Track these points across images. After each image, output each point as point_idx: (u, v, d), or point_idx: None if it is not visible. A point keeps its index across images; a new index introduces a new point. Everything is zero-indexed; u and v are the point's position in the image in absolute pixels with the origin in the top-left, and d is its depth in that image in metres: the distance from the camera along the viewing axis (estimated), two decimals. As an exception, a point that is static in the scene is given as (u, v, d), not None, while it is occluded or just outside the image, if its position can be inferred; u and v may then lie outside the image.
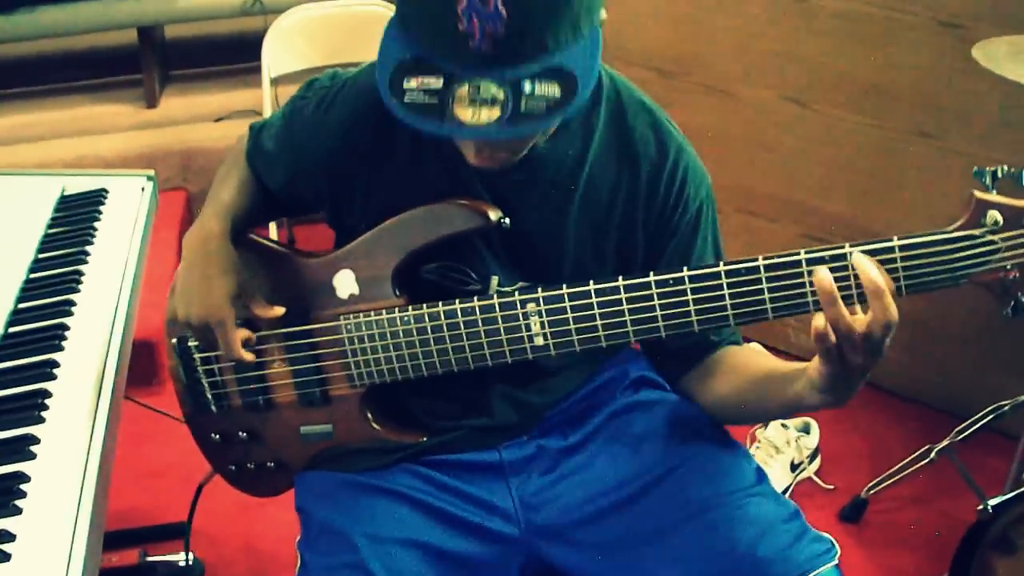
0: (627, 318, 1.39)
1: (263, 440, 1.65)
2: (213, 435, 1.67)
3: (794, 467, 2.80)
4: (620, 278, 1.35)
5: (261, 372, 1.59)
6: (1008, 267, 1.26)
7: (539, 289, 1.41)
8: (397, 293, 1.52)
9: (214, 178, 1.64)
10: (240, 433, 1.65)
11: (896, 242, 1.27)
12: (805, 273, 1.28)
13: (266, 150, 1.62)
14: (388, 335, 1.51)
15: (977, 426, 2.56)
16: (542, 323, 1.42)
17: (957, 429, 2.61)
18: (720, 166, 1.68)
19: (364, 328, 1.53)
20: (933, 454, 2.60)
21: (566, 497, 1.56)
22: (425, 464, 1.60)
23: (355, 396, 1.58)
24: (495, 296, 1.44)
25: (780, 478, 2.76)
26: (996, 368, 2.89)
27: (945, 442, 2.59)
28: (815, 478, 2.84)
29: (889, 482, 2.68)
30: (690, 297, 1.35)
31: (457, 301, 1.46)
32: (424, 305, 1.48)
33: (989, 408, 2.56)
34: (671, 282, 1.35)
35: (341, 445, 1.61)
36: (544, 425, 1.64)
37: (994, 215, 1.24)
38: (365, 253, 1.53)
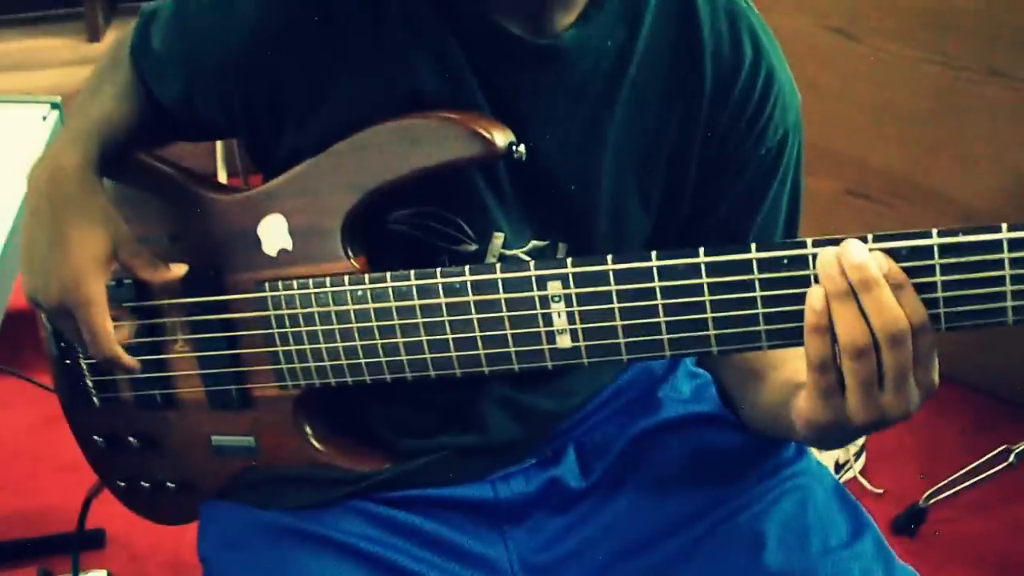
0: (709, 315, 1.00)
1: (161, 450, 1.34)
2: (96, 438, 1.37)
3: (839, 467, 2.55)
4: (702, 251, 0.99)
5: (158, 357, 1.28)
6: None
7: (567, 259, 1.04)
8: (349, 253, 1.15)
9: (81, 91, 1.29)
10: (130, 438, 1.34)
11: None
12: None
13: (154, 50, 1.24)
14: (333, 315, 1.14)
15: None
16: (570, 315, 1.04)
17: None
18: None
19: (299, 302, 1.16)
20: (1012, 457, 2.36)
21: (589, 556, 1.25)
22: (385, 503, 1.27)
23: (286, 400, 1.24)
24: (498, 265, 1.07)
25: None
26: None
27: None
28: (861, 479, 2.57)
29: (955, 489, 2.41)
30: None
31: (438, 271, 1.08)
32: (388, 273, 1.11)
33: None
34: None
35: (267, 467, 1.29)
36: (558, 444, 1.32)
37: None
38: (303, 190, 1.16)
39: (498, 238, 1.16)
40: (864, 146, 2.79)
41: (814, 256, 0.94)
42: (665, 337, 1.01)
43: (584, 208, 1.17)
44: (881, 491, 2.53)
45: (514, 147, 1.08)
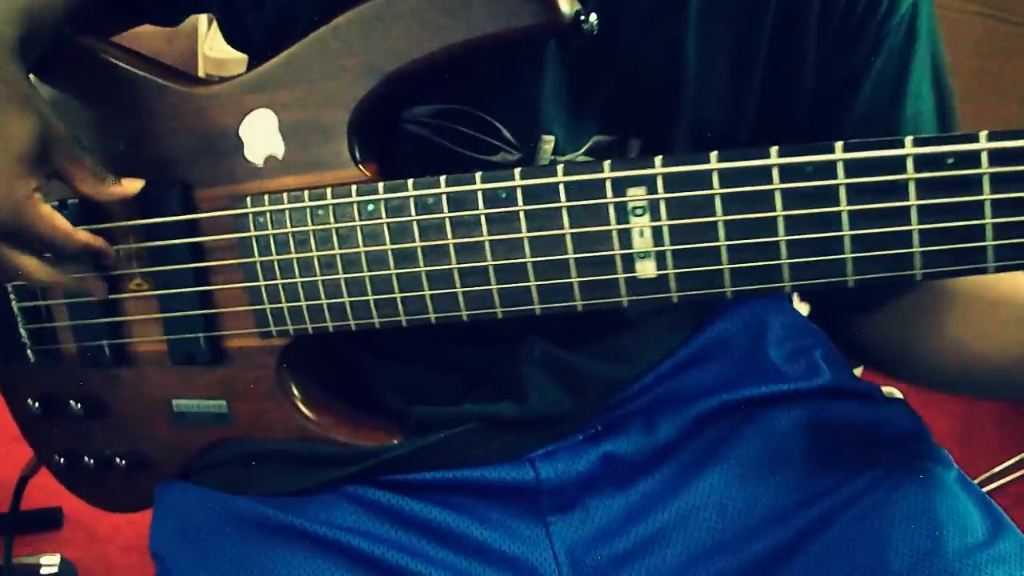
0: (846, 233, 0.77)
1: (109, 417, 1.13)
2: (30, 401, 1.16)
3: None
4: (839, 145, 0.77)
5: (108, 299, 1.07)
6: None
7: (654, 157, 0.81)
8: (358, 157, 0.92)
9: None
10: (72, 402, 1.13)
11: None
12: None
13: None
14: (334, 237, 0.91)
15: None
16: (657, 232, 0.80)
17: None
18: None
19: (290, 221, 0.93)
20: None
21: (658, 554, 1.03)
22: (393, 487, 1.05)
23: (269, 353, 1.01)
24: (560, 167, 0.84)
25: None
26: None
27: None
28: None
29: (1000, 482, 2.28)
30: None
31: (478, 175, 0.85)
32: (410, 182, 0.88)
33: None
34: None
35: (242, 440, 1.07)
36: (613, 417, 1.10)
37: None
38: (298, 77, 0.92)
39: (548, 142, 0.94)
40: None
41: (990, 153, 0.73)
42: (785, 262, 0.78)
43: (662, 96, 0.96)
44: None
45: (584, 18, 0.84)
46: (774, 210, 0.76)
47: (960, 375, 1.04)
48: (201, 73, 2.23)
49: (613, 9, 0.91)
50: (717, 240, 0.79)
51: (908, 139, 0.75)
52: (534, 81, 0.93)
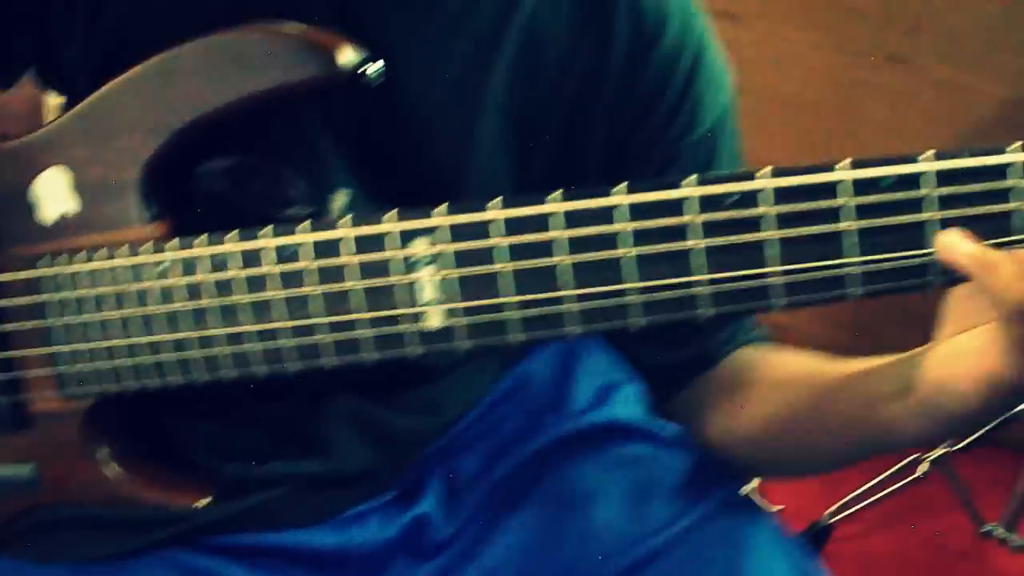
0: (629, 276, 0.76)
1: None
2: None
3: None
4: (624, 186, 0.77)
5: None
6: None
7: (440, 207, 0.80)
8: (151, 214, 0.90)
9: None
10: None
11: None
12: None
13: None
14: (128, 297, 0.88)
15: (981, 432, 2.16)
16: (445, 283, 0.79)
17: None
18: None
19: (83, 281, 0.90)
20: (926, 465, 2.20)
21: None
22: (205, 550, 1.02)
23: (72, 415, 0.96)
24: (348, 218, 0.82)
25: None
26: None
27: (940, 451, 2.19)
28: (757, 496, 2.30)
29: (861, 505, 2.26)
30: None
31: (270, 229, 0.84)
32: (201, 239, 0.86)
33: None
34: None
35: (53, 506, 1.02)
36: (423, 472, 1.09)
37: None
38: (90, 133, 0.91)
39: (340, 198, 0.93)
40: (753, 137, 2.62)
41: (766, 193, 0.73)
42: (575, 307, 0.76)
43: (453, 170, 0.96)
44: (781, 508, 2.27)
45: (366, 67, 0.84)
46: (558, 256, 0.76)
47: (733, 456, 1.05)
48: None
49: (407, 79, 0.91)
50: (501, 290, 0.78)
51: (692, 177, 0.74)
52: (326, 135, 0.92)
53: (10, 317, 0.94)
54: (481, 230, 0.77)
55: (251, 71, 0.84)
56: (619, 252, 0.75)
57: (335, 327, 0.82)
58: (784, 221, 0.72)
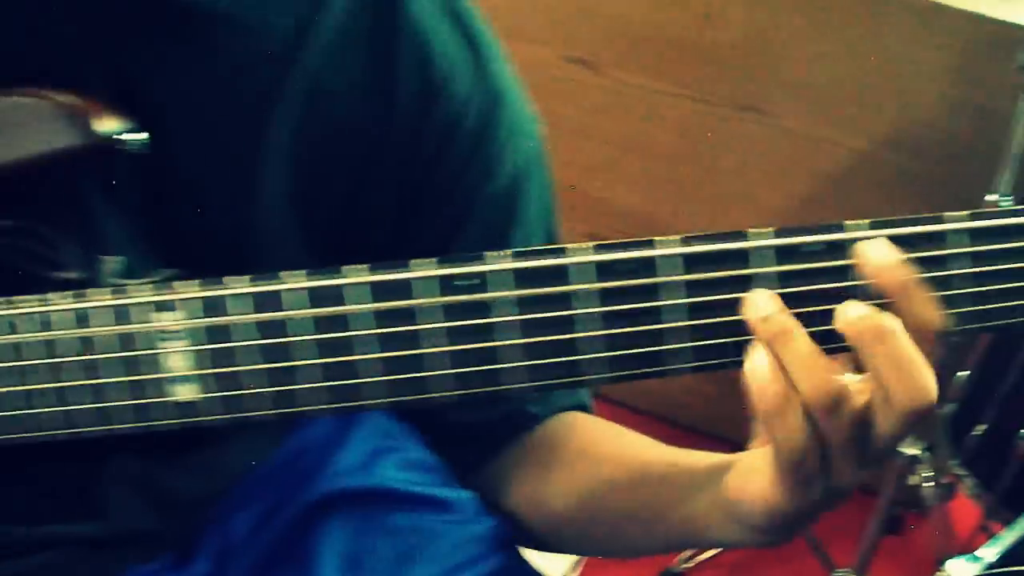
0: (361, 357, 0.75)
1: None
2: None
3: None
4: (366, 267, 0.75)
5: None
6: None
7: (193, 281, 0.78)
8: None
9: None
10: None
11: (951, 224, 0.70)
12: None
13: None
14: None
15: None
16: (194, 357, 0.77)
17: None
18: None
19: None
20: None
21: None
22: None
23: None
24: (110, 291, 0.80)
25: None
26: None
27: None
28: None
29: (715, 551, 2.33)
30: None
31: (18, 300, 0.81)
32: None
33: None
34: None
35: None
36: (200, 531, 1.06)
37: None
38: None
39: (110, 263, 0.89)
40: (608, 186, 2.67)
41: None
42: (321, 385, 0.75)
43: (233, 230, 0.93)
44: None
45: (127, 137, 0.82)
46: (312, 332, 0.75)
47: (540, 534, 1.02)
48: None
49: (181, 138, 0.89)
50: (258, 362, 0.76)
51: (432, 260, 0.73)
52: (102, 199, 0.89)
53: None
54: (228, 305, 0.76)
55: (12, 140, 0.82)
56: (351, 333, 0.74)
57: (88, 396, 0.80)
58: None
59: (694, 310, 0.70)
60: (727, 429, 2.69)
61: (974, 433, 1.99)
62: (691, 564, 2.30)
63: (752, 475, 0.75)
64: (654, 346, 0.70)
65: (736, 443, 0.80)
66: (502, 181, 0.97)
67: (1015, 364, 1.93)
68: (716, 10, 2.37)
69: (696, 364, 0.71)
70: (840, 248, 0.68)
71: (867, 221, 0.69)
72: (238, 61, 0.89)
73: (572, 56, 2.56)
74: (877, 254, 0.67)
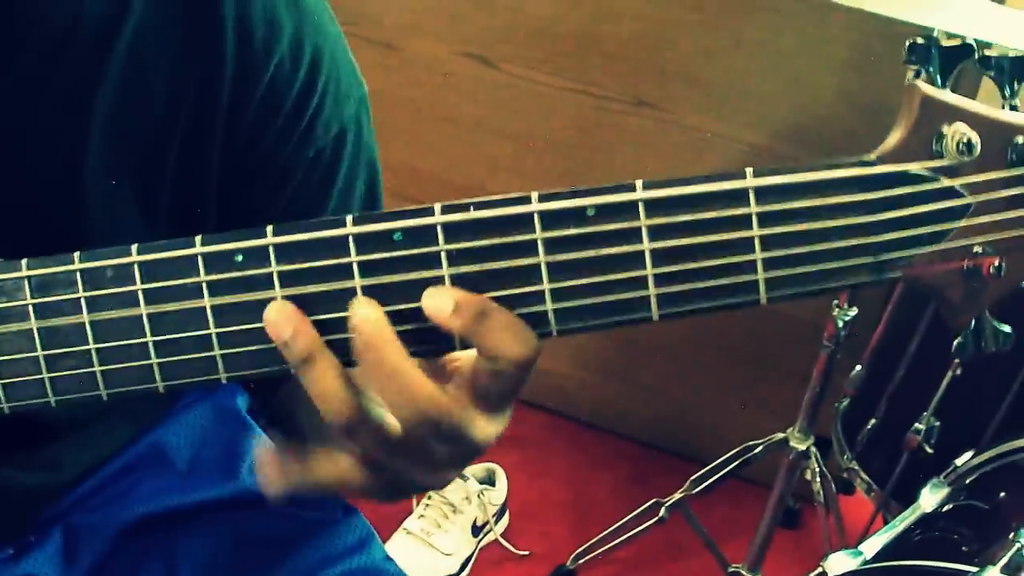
0: (212, 332, 0.71)
1: None
2: None
3: (476, 530, 2.41)
4: (135, 248, 0.72)
5: None
6: (978, 248, 0.68)
7: (23, 261, 0.74)
8: None
9: None
10: None
11: (751, 180, 0.67)
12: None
13: None
14: None
15: (720, 474, 2.19)
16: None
17: (693, 478, 2.22)
18: (378, 141, 1.18)
19: None
20: (663, 511, 2.20)
21: None
22: None
23: None
24: None
25: (459, 546, 2.36)
26: (734, 399, 2.59)
27: (677, 495, 2.20)
28: (503, 541, 2.44)
29: (604, 548, 2.29)
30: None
31: None
32: None
33: (736, 450, 2.20)
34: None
35: None
36: (41, 531, 1.03)
37: (959, 133, 0.65)
38: None
39: None
40: (504, 181, 2.63)
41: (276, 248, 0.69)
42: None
43: (63, 217, 0.90)
44: (527, 553, 2.43)
45: None
46: (80, 314, 0.72)
47: None
48: None
49: (12, 124, 0.86)
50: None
51: (198, 238, 0.70)
52: None
53: None
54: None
55: None
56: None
57: None
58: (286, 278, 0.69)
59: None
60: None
61: (867, 428, 1.98)
62: (583, 562, 2.29)
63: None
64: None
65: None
66: (320, 145, 0.96)
67: (905, 359, 1.92)
68: (609, 6, 2.37)
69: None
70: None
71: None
72: (52, 44, 0.86)
73: (469, 52, 2.54)
74: (432, 304, 0.66)
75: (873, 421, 1.99)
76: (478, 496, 2.40)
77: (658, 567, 2.37)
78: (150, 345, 0.71)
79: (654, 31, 2.33)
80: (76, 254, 0.71)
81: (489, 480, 2.48)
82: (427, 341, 0.68)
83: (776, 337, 2.40)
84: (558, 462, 2.64)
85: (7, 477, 0.97)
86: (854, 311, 1.92)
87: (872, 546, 1.67)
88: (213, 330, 0.70)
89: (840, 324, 1.92)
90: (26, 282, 0.72)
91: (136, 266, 0.70)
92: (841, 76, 2.20)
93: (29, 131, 0.87)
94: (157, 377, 0.72)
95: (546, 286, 0.65)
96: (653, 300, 0.65)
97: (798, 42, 2.15)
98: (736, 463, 2.16)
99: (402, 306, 0.67)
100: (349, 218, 0.67)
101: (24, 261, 0.72)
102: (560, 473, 2.63)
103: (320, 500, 1.05)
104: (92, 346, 0.72)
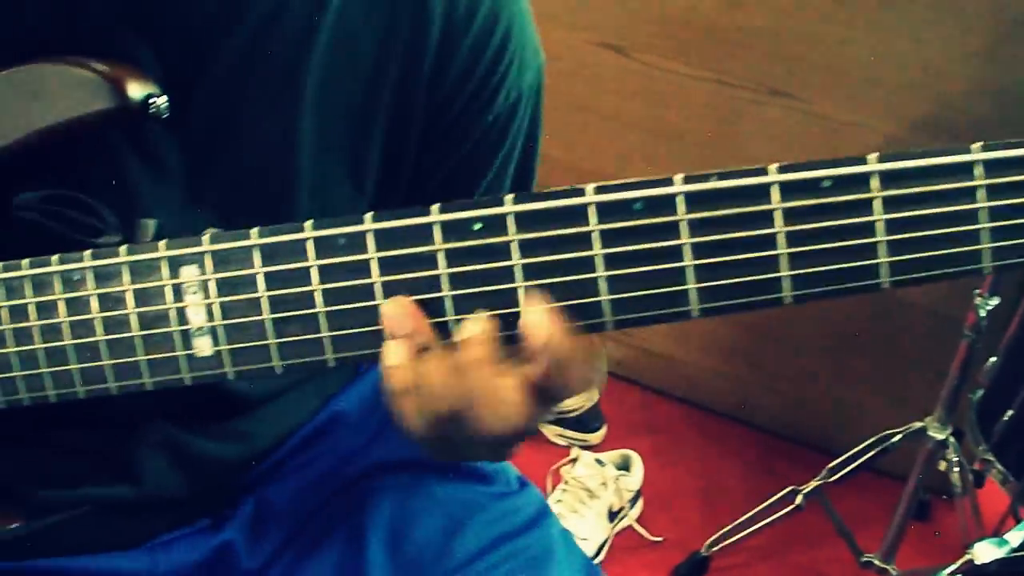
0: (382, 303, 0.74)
1: None
2: None
3: (612, 515, 2.39)
4: (368, 216, 0.72)
5: None
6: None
7: (206, 234, 0.76)
8: None
9: None
10: None
11: (977, 154, 0.65)
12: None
13: None
14: None
15: (858, 462, 2.17)
16: (209, 309, 0.77)
17: (830, 466, 2.19)
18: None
19: None
20: (799, 499, 2.18)
21: None
22: (14, 574, 0.97)
23: None
24: (123, 248, 0.79)
25: (595, 531, 2.34)
26: (861, 390, 2.56)
27: (814, 483, 2.19)
28: (637, 527, 2.42)
29: (739, 535, 2.26)
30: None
31: (55, 258, 0.80)
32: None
33: (873, 439, 2.17)
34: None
35: None
36: (237, 501, 1.06)
37: None
38: None
39: (147, 227, 0.89)
40: (637, 169, 2.54)
41: (517, 216, 0.69)
42: (326, 335, 0.74)
43: (278, 181, 0.92)
44: (660, 539, 2.40)
45: (152, 101, 0.82)
46: (310, 283, 0.73)
47: None
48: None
49: (219, 94, 0.88)
50: (261, 314, 0.75)
51: (435, 207, 0.71)
52: (132, 165, 0.88)
53: None
54: (242, 256, 0.75)
55: (47, 104, 0.82)
56: (366, 281, 0.72)
57: (114, 351, 0.80)
58: (527, 247, 0.69)
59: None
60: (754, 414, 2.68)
61: (1003, 419, 1.95)
62: (716, 549, 2.27)
63: None
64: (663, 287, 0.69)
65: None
66: (499, 111, 0.98)
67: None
68: None
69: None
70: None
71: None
72: (267, 13, 0.88)
73: (603, 41, 2.54)
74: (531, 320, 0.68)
75: (1010, 412, 1.96)
76: (615, 481, 2.40)
77: (788, 556, 2.35)
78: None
79: (788, 19, 2.31)
80: (308, 222, 0.73)
81: (625, 466, 2.47)
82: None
83: (905, 329, 2.38)
84: (688, 450, 2.63)
85: (204, 449, 1.00)
86: (995, 300, 1.89)
87: (1017, 535, 1.66)
88: (447, 292, 0.71)
89: (982, 313, 1.89)
90: (257, 250, 0.74)
91: (370, 234, 0.71)
92: (976, 66, 2.16)
93: (246, 98, 0.89)
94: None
95: (783, 251, 0.66)
96: (884, 268, 0.66)
97: (933, 31, 2.13)
98: (874, 451, 2.14)
99: (639, 269, 0.68)
100: (590, 187, 0.68)
101: (255, 230, 0.74)
102: (690, 461, 2.62)
103: (496, 470, 1.07)
104: (321, 309, 0.73)
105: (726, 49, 2.40)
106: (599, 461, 2.39)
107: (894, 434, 2.12)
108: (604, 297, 0.69)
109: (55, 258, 0.80)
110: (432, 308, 0.71)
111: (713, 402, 2.70)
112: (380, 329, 0.72)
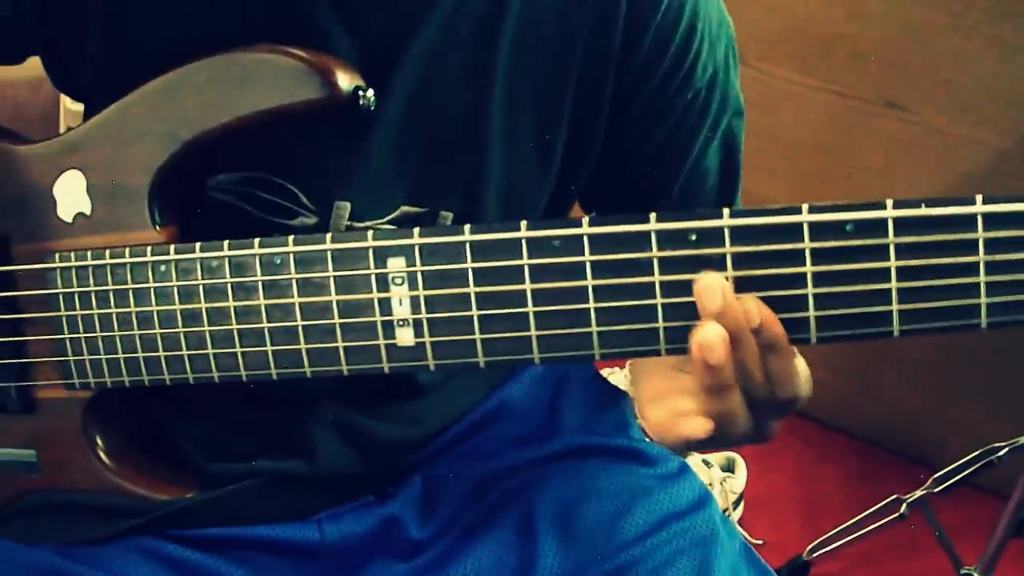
0: (592, 305, 0.76)
1: None
2: None
3: None
4: (586, 220, 0.75)
5: None
6: None
7: (415, 228, 0.79)
8: (156, 219, 0.90)
9: None
10: None
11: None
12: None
13: None
14: (131, 295, 0.89)
15: (964, 474, 2.11)
16: (415, 301, 0.79)
17: (935, 476, 2.15)
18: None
19: (91, 278, 0.90)
20: (904, 508, 2.13)
21: None
22: (181, 541, 1.00)
23: (74, 404, 0.96)
24: (329, 235, 0.82)
25: None
26: (961, 405, 2.51)
27: (919, 492, 2.14)
28: (739, 528, 2.28)
29: (841, 541, 2.22)
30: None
31: (257, 241, 0.84)
32: (197, 244, 0.87)
33: (978, 452, 2.12)
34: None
35: (49, 488, 1.01)
36: (403, 479, 1.07)
37: None
38: (106, 140, 0.91)
39: (343, 209, 0.93)
40: (751, 177, 2.60)
41: (731, 230, 0.72)
42: (535, 334, 0.77)
43: (470, 163, 0.95)
44: (761, 542, 2.35)
45: (361, 92, 0.85)
46: (523, 281, 0.76)
47: None
48: (61, 125, 2.19)
49: (412, 79, 0.91)
50: (469, 310, 0.77)
51: (652, 215, 0.73)
52: (331, 148, 0.91)
53: (26, 306, 0.94)
54: (452, 252, 0.78)
55: (253, 91, 0.85)
56: (581, 283, 0.75)
57: (313, 337, 0.83)
58: (740, 261, 0.72)
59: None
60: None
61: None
62: (817, 555, 2.24)
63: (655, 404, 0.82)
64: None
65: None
66: (698, 86, 0.99)
67: None
68: (861, 6, 2.32)
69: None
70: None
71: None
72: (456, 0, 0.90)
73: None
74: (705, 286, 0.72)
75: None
76: (721, 483, 2.36)
77: (887, 564, 2.31)
78: (591, 312, 0.75)
79: (905, 32, 2.28)
80: (523, 222, 0.75)
81: (730, 468, 2.43)
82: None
83: (1015, 343, 2.36)
84: (788, 456, 2.59)
85: (375, 430, 1.03)
86: (1111, 316, 1.88)
87: None
88: (659, 300, 0.74)
89: (1095, 329, 1.88)
90: (468, 246, 0.77)
91: (587, 237, 0.74)
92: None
93: (441, 80, 0.92)
94: (595, 344, 0.76)
95: (982, 279, 0.69)
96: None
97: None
98: (979, 464, 2.10)
99: (847, 288, 0.71)
100: (805, 206, 0.71)
101: (467, 226, 0.77)
102: (790, 467, 2.58)
103: (659, 455, 1.08)
104: (531, 309, 0.76)
105: (843, 60, 2.38)
106: (706, 462, 2.36)
107: (1000, 447, 2.08)
108: (811, 313, 0.72)
109: (256, 241, 0.83)
110: (643, 314, 0.74)
111: (815, 410, 2.67)
112: (587, 332, 0.75)
